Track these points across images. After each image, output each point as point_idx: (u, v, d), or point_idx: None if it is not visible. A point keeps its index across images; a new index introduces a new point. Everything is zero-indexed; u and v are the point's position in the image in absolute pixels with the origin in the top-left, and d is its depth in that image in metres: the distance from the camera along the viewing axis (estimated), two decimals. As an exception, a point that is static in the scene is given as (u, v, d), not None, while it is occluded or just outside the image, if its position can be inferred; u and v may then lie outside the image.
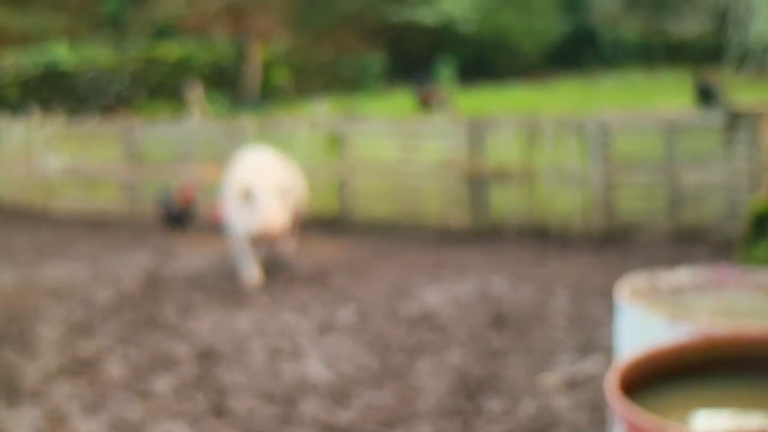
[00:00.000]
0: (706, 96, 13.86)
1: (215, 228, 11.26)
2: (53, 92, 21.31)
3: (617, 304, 3.10)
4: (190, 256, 9.94)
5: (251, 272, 8.51)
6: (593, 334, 6.43)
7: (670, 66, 27.10)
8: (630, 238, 9.70)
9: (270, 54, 24.81)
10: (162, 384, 5.82)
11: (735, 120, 9.30)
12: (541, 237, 10.08)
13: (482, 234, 10.39)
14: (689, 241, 9.37)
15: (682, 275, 3.31)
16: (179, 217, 11.75)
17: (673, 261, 7.88)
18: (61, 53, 22.35)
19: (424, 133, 11.12)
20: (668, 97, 18.79)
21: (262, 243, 8.58)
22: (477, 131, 10.53)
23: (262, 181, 8.16)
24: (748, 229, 6.85)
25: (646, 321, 2.83)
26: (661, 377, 2.21)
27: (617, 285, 3.29)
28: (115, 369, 6.15)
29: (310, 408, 5.30)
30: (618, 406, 1.96)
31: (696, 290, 3.24)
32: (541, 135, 10.24)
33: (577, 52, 29.42)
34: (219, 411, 5.32)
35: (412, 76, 24.12)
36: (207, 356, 6.37)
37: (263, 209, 8.01)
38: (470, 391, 5.45)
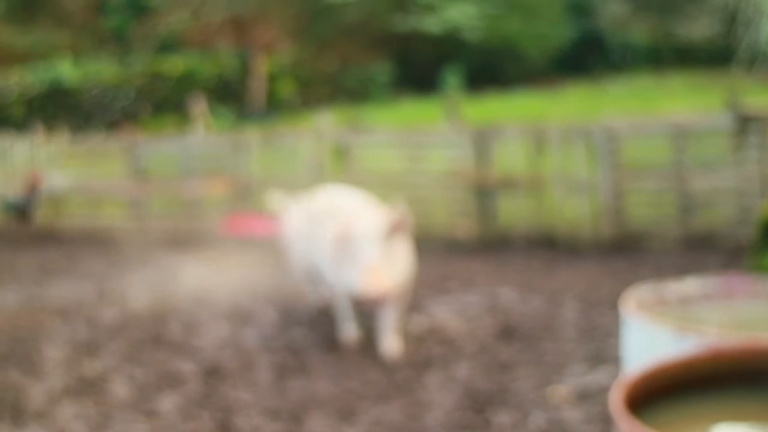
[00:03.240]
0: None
1: (225, 244, 11.23)
2: (58, 109, 21.32)
3: (623, 317, 3.02)
4: (195, 273, 9.88)
5: (349, 329, 6.84)
6: (604, 345, 6.35)
7: (679, 69, 27.02)
8: (640, 246, 9.61)
9: (275, 66, 24.81)
10: (168, 403, 5.76)
11: (745, 124, 9.21)
12: (550, 246, 10.00)
13: (490, 244, 10.31)
14: (700, 249, 9.27)
15: (690, 285, 3.24)
16: (23, 206, 11.61)
17: (684, 269, 7.80)
18: (65, 70, 22.38)
19: (429, 143, 11.06)
20: (678, 101, 18.70)
21: (368, 304, 6.60)
22: (483, 140, 10.47)
23: (366, 223, 6.33)
24: (757, 236, 6.76)
25: (652, 334, 2.76)
26: (669, 392, 2.14)
27: (623, 296, 3.21)
28: (120, 388, 6.10)
29: (317, 425, 5.23)
30: (623, 422, 1.88)
31: (704, 300, 3.16)
32: (548, 143, 10.17)
33: (585, 58, 29.35)
34: (225, 429, 5.26)
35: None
36: (213, 374, 6.31)
37: (367, 260, 6.13)
38: (479, 405, 5.38)
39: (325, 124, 12.25)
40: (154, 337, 7.34)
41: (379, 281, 6.01)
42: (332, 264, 6.47)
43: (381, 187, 11.11)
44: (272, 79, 24.52)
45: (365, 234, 6.16)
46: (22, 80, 22.01)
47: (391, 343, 6.45)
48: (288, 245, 7.69)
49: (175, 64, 23.71)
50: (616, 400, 1.96)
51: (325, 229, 6.62)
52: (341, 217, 6.54)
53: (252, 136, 12.36)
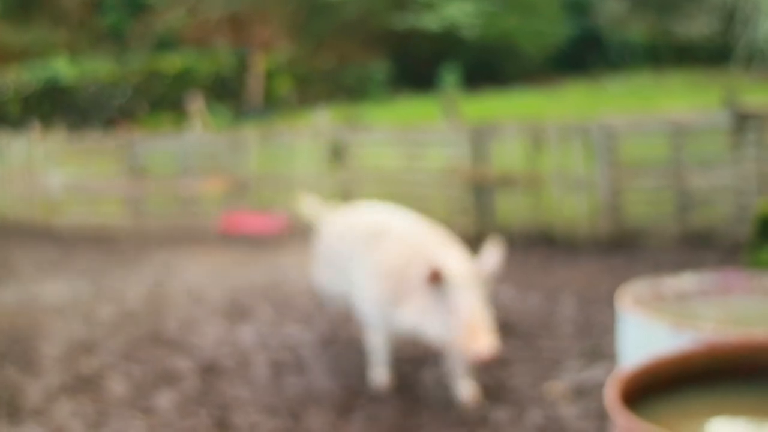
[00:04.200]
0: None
1: (222, 241, 11.23)
2: (54, 107, 21.29)
3: (620, 313, 3.02)
4: (192, 270, 9.87)
5: (384, 374, 5.87)
6: (601, 341, 6.35)
7: (678, 67, 27.01)
8: (638, 244, 9.61)
9: (272, 64, 24.78)
10: (165, 400, 5.76)
11: (743, 121, 9.21)
12: (548, 243, 10.00)
13: (488, 242, 10.29)
14: (698, 246, 9.27)
15: (686, 281, 3.24)
16: None
17: (681, 266, 7.79)
18: (62, 68, 22.35)
19: (427, 140, 11.05)
20: (676, 99, 18.70)
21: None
22: (481, 138, 10.46)
23: (461, 264, 5.20)
24: (754, 232, 6.77)
25: (649, 329, 2.75)
26: (665, 387, 2.13)
27: (620, 292, 3.21)
28: (117, 386, 6.09)
29: (315, 421, 5.23)
30: (619, 417, 1.88)
31: (701, 296, 3.16)
32: (546, 141, 10.17)
33: (583, 56, 29.33)
34: (222, 426, 5.26)
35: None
36: (210, 371, 6.30)
37: (470, 313, 5.00)
38: (476, 402, 5.37)
39: (322, 122, 12.26)
40: (151, 334, 7.33)
41: (490, 342, 4.92)
42: (387, 301, 5.43)
43: (379, 184, 11.11)
44: (270, 76, 24.50)
45: (465, 278, 5.05)
46: (18, 78, 21.97)
47: (470, 389, 5.45)
48: (317, 260, 6.57)
49: (173, 62, 23.69)
50: (612, 395, 1.96)
51: (377, 255, 5.60)
52: (403, 245, 5.49)
53: (250, 133, 12.35)
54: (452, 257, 5.20)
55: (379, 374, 5.80)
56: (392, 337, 5.72)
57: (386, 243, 5.60)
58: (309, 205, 7.08)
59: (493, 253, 5.20)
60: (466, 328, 4.93)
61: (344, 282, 6.02)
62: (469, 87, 23.85)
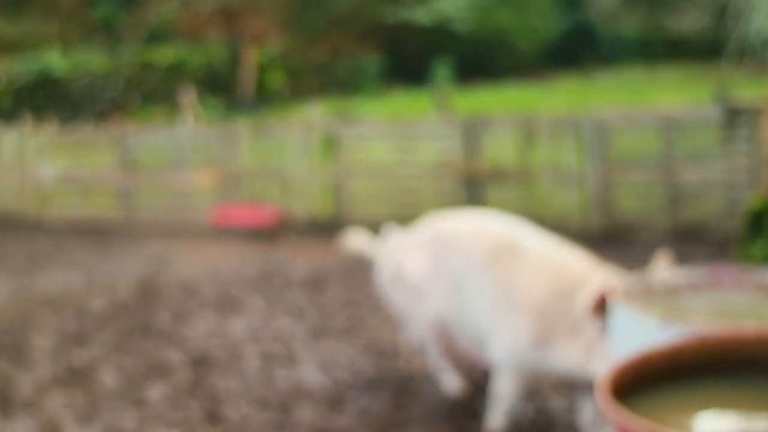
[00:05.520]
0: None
1: (214, 234, 11.22)
2: (46, 99, 21.24)
3: (609, 305, 3.03)
4: (184, 263, 9.87)
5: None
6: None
7: (670, 62, 27.02)
8: (629, 238, 9.63)
9: (265, 57, 24.74)
10: (156, 392, 5.76)
11: (734, 116, 9.23)
12: (539, 237, 10.00)
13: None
14: (689, 240, 9.29)
15: (677, 275, 3.25)
16: None
17: (672, 260, 7.80)
18: (54, 60, 22.29)
19: (419, 134, 11.06)
20: (667, 93, 18.72)
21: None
22: (473, 132, 10.47)
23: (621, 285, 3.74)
24: (745, 227, 6.79)
25: (638, 322, 2.77)
26: (654, 380, 2.14)
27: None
28: (109, 378, 6.09)
29: (305, 414, 5.24)
30: (609, 410, 1.89)
31: (691, 290, 3.17)
32: (537, 135, 10.18)
33: (576, 50, 29.33)
34: (213, 418, 5.26)
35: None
36: (201, 363, 6.30)
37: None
38: (467, 395, 5.38)
39: (315, 115, 12.25)
40: (143, 326, 7.33)
41: None
42: (536, 341, 4.45)
43: (370, 178, 11.12)
44: (262, 69, 24.46)
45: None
46: (10, 70, 21.91)
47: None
48: (397, 290, 5.42)
49: (165, 55, 23.63)
50: (602, 386, 1.96)
51: (514, 283, 4.59)
52: (546, 269, 4.52)
53: (242, 127, 12.35)
54: (612, 278, 4.17)
55: (497, 421, 4.79)
56: (533, 381, 4.80)
57: (521, 265, 4.60)
58: (358, 240, 5.96)
59: (664, 269, 4.09)
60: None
61: (454, 305, 4.98)
62: (461, 81, 23.86)
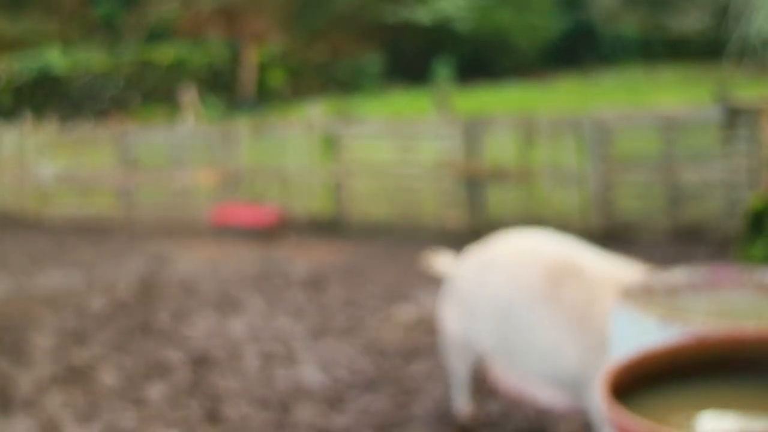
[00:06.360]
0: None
1: (214, 233, 11.22)
2: (47, 98, 21.24)
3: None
4: (184, 262, 9.87)
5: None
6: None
7: (670, 62, 27.02)
8: (629, 238, 9.62)
9: (265, 56, 24.74)
10: (156, 391, 5.76)
11: (735, 116, 9.22)
12: (539, 237, 10.01)
13: (480, 235, 10.30)
14: (689, 240, 9.30)
15: (676, 275, 3.24)
16: None
17: (672, 260, 7.81)
18: (54, 58, 22.28)
19: (420, 134, 11.06)
20: (668, 93, 18.71)
21: None
22: (473, 132, 10.47)
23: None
24: (745, 227, 6.78)
25: (638, 322, 2.76)
26: (654, 380, 2.14)
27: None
28: (109, 377, 6.09)
29: (305, 413, 5.24)
30: (609, 410, 1.88)
31: (691, 290, 3.17)
32: (538, 134, 10.18)
33: (576, 50, 29.32)
34: (213, 418, 5.26)
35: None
36: (201, 363, 6.30)
37: None
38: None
39: (315, 115, 12.25)
40: (143, 325, 7.33)
41: None
42: None
43: (371, 177, 11.12)
44: (263, 69, 24.46)
45: None
46: (10, 68, 21.90)
47: None
48: (447, 311, 4.76)
49: (165, 53, 23.63)
50: (601, 386, 1.96)
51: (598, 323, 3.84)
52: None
53: (242, 126, 12.35)
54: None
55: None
56: None
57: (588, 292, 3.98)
58: (443, 262, 5.16)
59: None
60: None
61: (495, 340, 4.39)
62: (461, 80, 23.85)
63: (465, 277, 4.60)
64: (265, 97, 23.88)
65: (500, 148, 10.43)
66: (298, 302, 7.84)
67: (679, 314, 2.93)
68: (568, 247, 4.27)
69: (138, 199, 12.47)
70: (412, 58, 26.50)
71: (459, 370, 4.71)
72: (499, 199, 10.39)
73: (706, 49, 25.44)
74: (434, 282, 8.24)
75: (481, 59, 27.20)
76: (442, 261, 5.17)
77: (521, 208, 10.25)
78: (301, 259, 9.66)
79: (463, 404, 4.79)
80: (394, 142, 11.14)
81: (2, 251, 11.13)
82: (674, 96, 17.65)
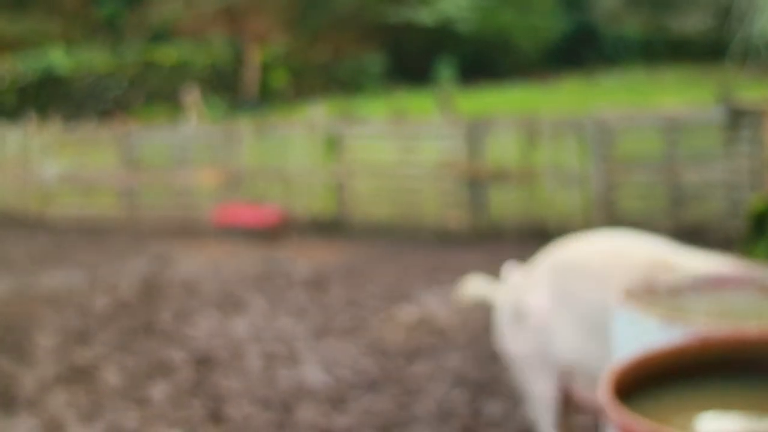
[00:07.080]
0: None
1: (217, 233, 11.23)
2: (50, 98, 21.26)
3: (612, 307, 3.04)
4: (186, 262, 9.88)
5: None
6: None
7: (672, 63, 27.01)
8: (631, 238, 9.62)
9: (268, 56, 24.76)
10: (158, 391, 5.76)
11: (737, 117, 9.23)
12: (541, 238, 9.99)
13: (482, 236, 10.32)
14: (691, 241, 9.26)
15: (679, 275, 3.25)
16: None
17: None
18: (58, 58, 22.31)
19: (422, 134, 11.06)
20: (670, 94, 18.71)
21: None
22: (475, 132, 10.48)
23: None
24: (747, 228, 6.79)
25: (640, 323, 2.77)
26: (656, 381, 2.14)
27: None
28: (111, 377, 6.10)
29: (308, 413, 5.24)
30: (611, 410, 1.89)
31: (693, 291, 3.17)
32: (540, 135, 10.19)
33: (578, 51, 29.33)
34: (216, 418, 5.26)
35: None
36: (203, 363, 6.31)
37: None
38: (469, 395, 5.39)
39: (317, 115, 12.26)
40: (145, 325, 7.34)
41: None
42: None
43: (373, 178, 11.12)
44: (265, 69, 24.48)
45: None
46: (13, 69, 21.93)
47: None
48: (516, 336, 4.20)
49: (168, 54, 23.65)
50: (604, 387, 1.97)
51: None
52: None
53: (244, 126, 12.35)
54: None
55: None
56: None
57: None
58: (476, 286, 4.79)
59: None
60: None
61: (581, 356, 3.90)
62: (464, 81, 23.87)
63: (535, 291, 4.13)
64: (267, 98, 23.90)
65: (502, 148, 10.43)
66: (300, 302, 7.84)
67: (681, 315, 2.94)
68: (655, 245, 3.90)
69: (141, 199, 12.49)
70: (415, 59, 26.52)
71: (542, 392, 4.14)
72: (501, 199, 10.40)
73: (708, 50, 25.42)
74: (436, 283, 8.25)
75: (484, 60, 27.21)
76: (475, 285, 4.78)
77: (523, 209, 10.25)
78: (303, 259, 9.67)
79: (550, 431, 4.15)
80: (396, 142, 11.14)
81: (5, 251, 11.14)
82: (676, 97, 17.64)
